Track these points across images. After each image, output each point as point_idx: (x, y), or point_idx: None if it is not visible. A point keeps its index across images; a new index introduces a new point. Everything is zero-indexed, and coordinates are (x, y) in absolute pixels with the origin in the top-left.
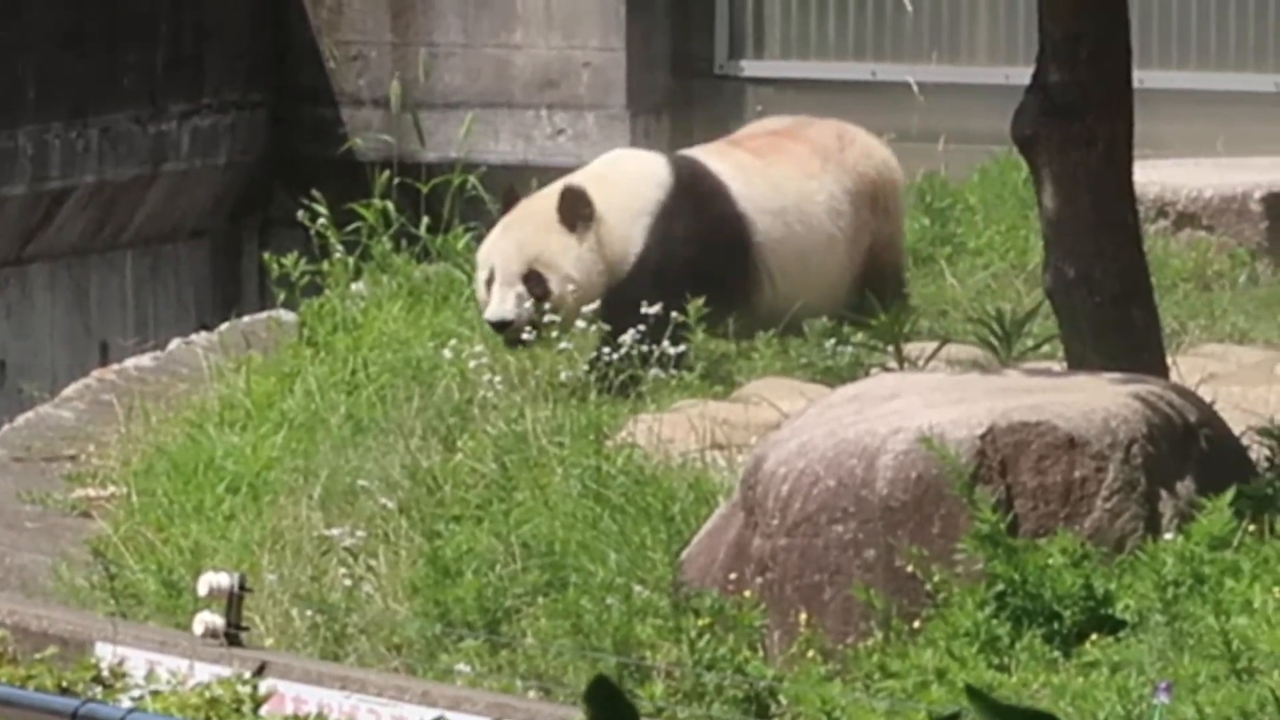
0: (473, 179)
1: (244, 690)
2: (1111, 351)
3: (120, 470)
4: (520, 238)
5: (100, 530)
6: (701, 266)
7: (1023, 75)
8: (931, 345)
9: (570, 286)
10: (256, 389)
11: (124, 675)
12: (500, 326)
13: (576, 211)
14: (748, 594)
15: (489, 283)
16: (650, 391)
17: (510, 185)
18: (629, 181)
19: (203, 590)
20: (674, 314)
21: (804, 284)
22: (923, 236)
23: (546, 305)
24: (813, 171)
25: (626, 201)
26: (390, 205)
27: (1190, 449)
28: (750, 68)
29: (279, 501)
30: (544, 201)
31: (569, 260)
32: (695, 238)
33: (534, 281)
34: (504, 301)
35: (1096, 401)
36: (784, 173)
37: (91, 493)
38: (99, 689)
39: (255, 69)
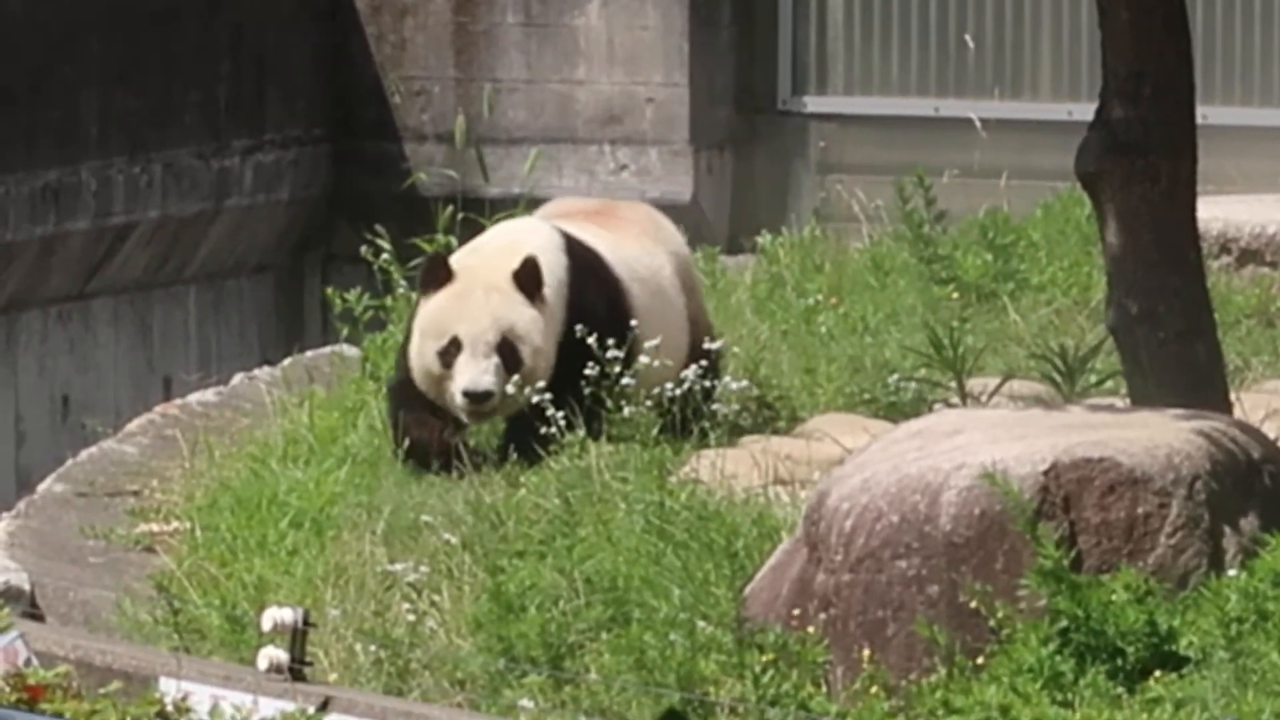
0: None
1: None
2: (1175, 387)
3: (183, 505)
4: (491, 309)
5: (164, 565)
6: (606, 334)
7: (1086, 111)
8: (995, 381)
9: (540, 358)
10: (319, 424)
11: (188, 710)
12: (483, 398)
13: (536, 281)
14: (811, 630)
15: (445, 352)
16: (713, 427)
17: (436, 252)
18: (542, 253)
19: (267, 625)
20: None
21: (666, 354)
22: (985, 272)
23: (516, 377)
24: (649, 248)
25: (546, 273)
26: (453, 240)
27: (1254, 485)
28: (813, 103)
29: (342, 536)
30: (492, 271)
31: (537, 331)
32: (600, 306)
33: (508, 352)
34: (485, 372)
35: (1160, 438)
36: (631, 248)
37: (155, 528)
38: None
39: (318, 104)
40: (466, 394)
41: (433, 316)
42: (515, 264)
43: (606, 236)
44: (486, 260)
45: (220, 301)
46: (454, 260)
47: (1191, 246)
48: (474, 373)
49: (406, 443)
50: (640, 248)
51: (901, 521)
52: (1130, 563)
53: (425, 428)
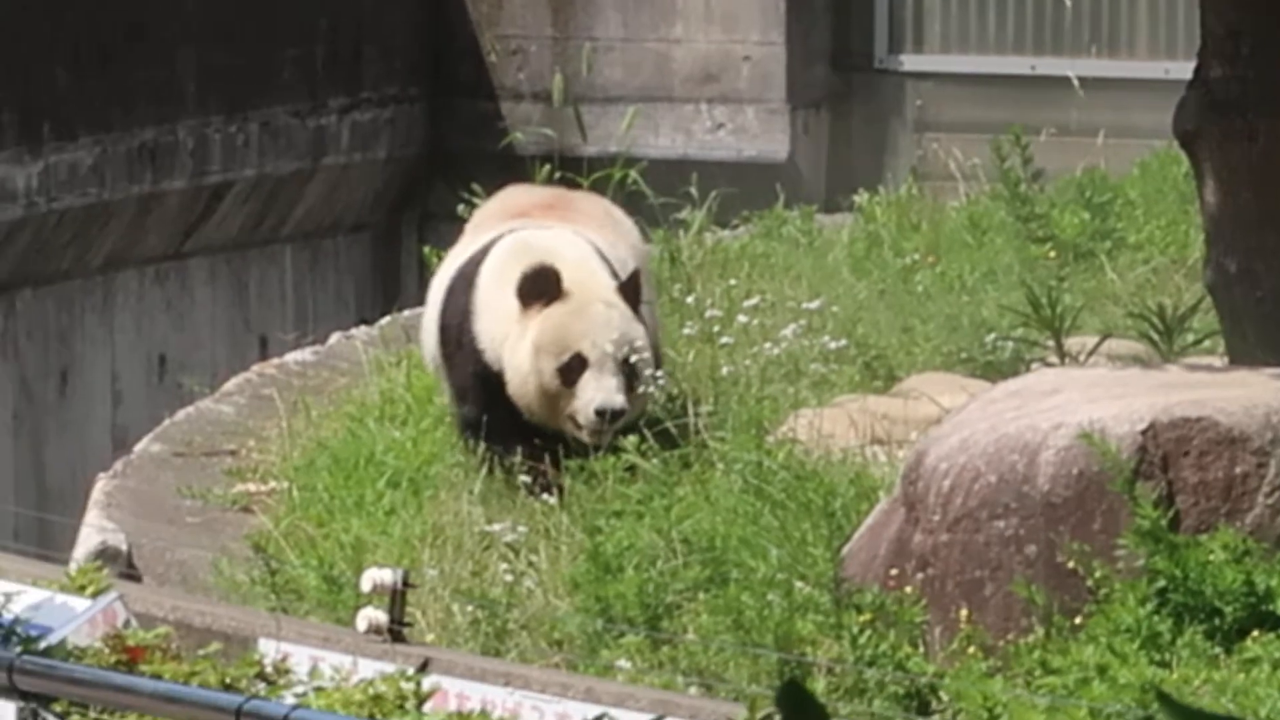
0: (633, 173)
1: (408, 687)
2: (1273, 346)
3: (280, 465)
4: (618, 325)
5: (261, 525)
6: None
7: (1183, 70)
8: (1092, 340)
9: (651, 371)
10: (416, 383)
11: (287, 671)
12: (617, 415)
13: (639, 296)
14: (909, 590)
15: (567, 369)
16: (811, 386)
17: (542, 263)
18: (590, 261)
19: (366, 586)
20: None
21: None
22: (1083, 231)
23: (634, 392)
24: (615, 242)
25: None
26: None
27: None
28: (910, 62)
29: (439, 496)
30: (599, 285)
31: (648, 345)
32: (648, 310)
33: (629, 369)
34: (617, 390)
35: (1258, 397)
36: (608, 242)
37: (252, 488)
38: (263, 685)
39: (415, 64)
40: (600, 412)
41: (551, 331)
42: (608, 276)
43: (590, 236)
44: (588, 273)
45: (317, 260)
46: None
47: None
48: (606, 392)
49: (522, 482)
50: (614, 243)
51: (999, 481)
52: (1228, 522)
53: (536, 471)
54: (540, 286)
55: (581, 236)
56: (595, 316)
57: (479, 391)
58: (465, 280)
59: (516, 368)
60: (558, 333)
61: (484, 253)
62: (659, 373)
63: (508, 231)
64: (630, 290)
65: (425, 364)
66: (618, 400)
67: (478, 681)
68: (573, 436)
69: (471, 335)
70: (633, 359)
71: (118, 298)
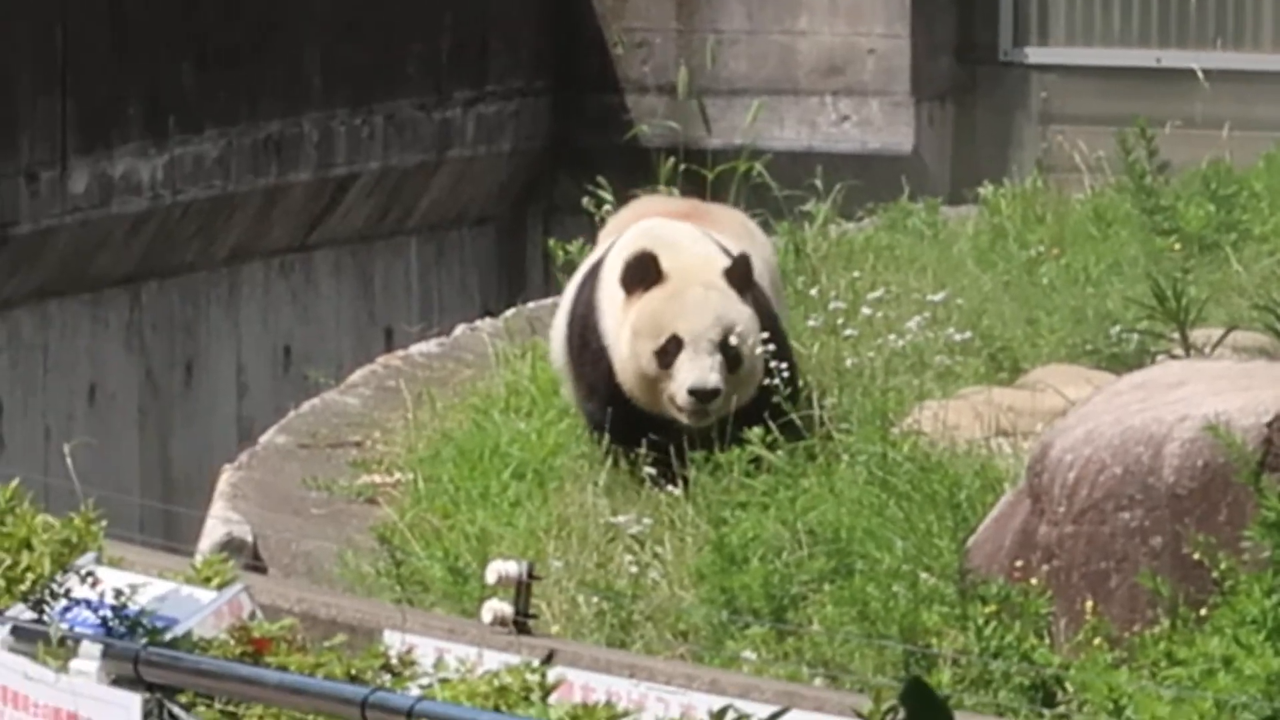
0: (758, 166)
1: (533, 678)
2: None
3: (406, 456)
4: (714, 307)
5: (386, 517)
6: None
7: None
8: (1218, 332)
9: (757, 353)
10: (542, 375)
11: (412, 663)
12: (710, 396)
13: (749, 279)
14: (1034, 581)
15: (664, 352)
16: (936, 378)
17: (641, 250)
18: (698, 246)
19: (491, 578)
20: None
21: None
22: (1208, 223)
23: (734, 374)
24: (756, 253)
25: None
26: (675, 191)
27: None
28: (1035, 54)
29: (564, 488)
30: (704, 266)
31: (753, 328)
32: (775, 294)
33: (730, 351)
34: (711, 370)
35: None
36: (755, 253)
37: (377, 479)
38: (388, 677)
39: (539, 56)
40: (693, 392)
41: (649, 316)
42: (724, 261)
43: (730, 244)
44: (691, 258)
45: (442, 253)
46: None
47: None
48: (700, 371)
49: (647, 474)
50: (753, 253)
51: (1125, 473)
52: None
53: (660, 463)
54: (639, 273)
55: (703, 231)
56: (692, 299)
57: (604, 388)
58: (590, 280)
59: (619, 353)
60: (654, 317)
61: (606, 254)
62: (782, 365)
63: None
64: (737, 274)
65: (553, 364)
66: (712, 379)
67: (603, 673)
68: (682, 424)
69: (597, 333)
70: (732, 340)
71: (243, 290)
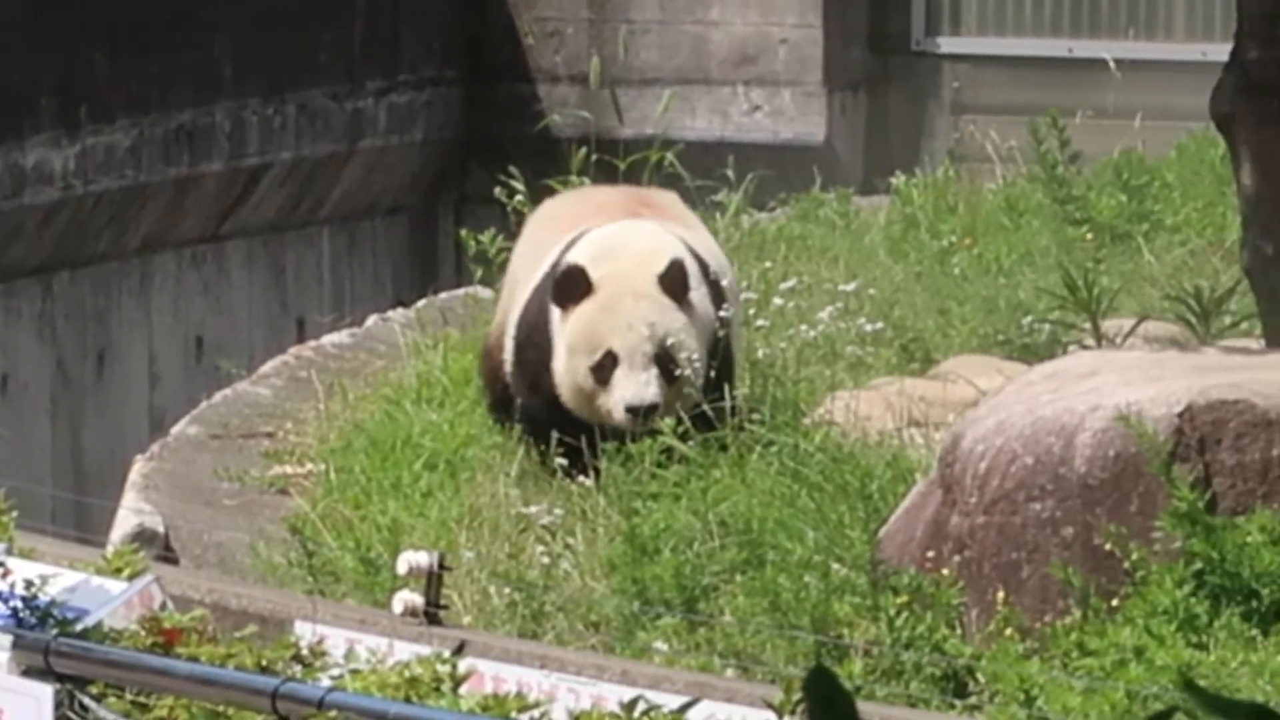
0: (670, 156)
1: (444, 669)
2: None
3: (318, 447)
4: (648, 318)
5: (298, 508)
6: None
7: (1220, 52)
8: (1129, 322)
9: (696, 365)
10: (453, 365)
11: (323, 654)
12: (649, 411)
13: (684, 285)
14: (945, 572)
15: (600, 368)
16: (848, 369)
17: (573, 264)
18: (660, 253)
19: (402, 569)
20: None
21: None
22: (1120, 213)
23: (672, 385)
24: (699, 239)
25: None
26: (587, 181)
27: None
28: (947, 44)
29: (476, 479)
30: (635, 277)
31: (690, 338)
32: (727, 304)
33: (666, 363)
34: (649, 385)
35: None
36: (703, 240)
37: (289, 470)
38: (298, 668)
39: (452, 46)
40: (630, 409)
41: (582, 330)
42: (657, 268)
43: (683, 234)
44: (624, 267)
45: (354, 243)
46: (590, 269)
47: None
48: (636, 387)
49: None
50: (701, 240)
51: (1036, 464)
52: (1265, 504)
53: (572, 455)
54: (569, 287)
55: (665, 229)
56: (624, 311)
57: (544, 392)
58: (545, 287)
59: (557, 369)
60: (588, 331)
61: (559, 263)
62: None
63: (578, 235)
64: (672, 281)
65: (505, 364)
66: (649, 395)
67: (513, 664)
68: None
69: (546, 342)
70: (668, 351)
71: (155, 280)
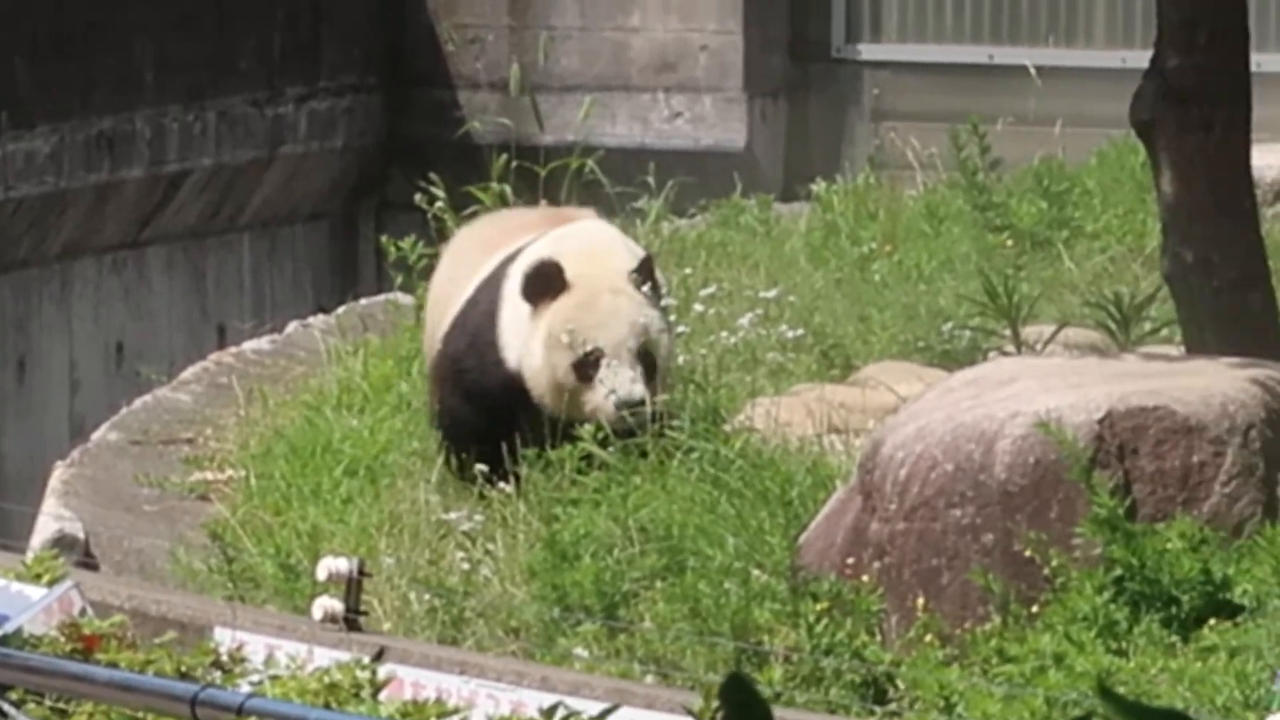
0: (590, 162)
1: (363, 675)
2: (1229, 336)
3: (238, 453)
4: (629, 314)
5: (218, 514)
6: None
7: (1140, 59)
8: (1049, 329)
9: (670, 360)
10: (374, 372)
11: (243, 660)
12: (639, 405)
13: (654, 282)
14: (865, 578)
15: (582, 364)
16: (768, 375)
17: (547, 260)
18: (623, 250)
19: (321, 575)
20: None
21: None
22: (1040, 220)
23: (651, 381)
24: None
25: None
26: (508, 188)
27: None
28: (867, 51)
29: (396, 485)
30: (612, 273)
31: (665, 335)
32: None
33: (646, 359)
34: (635, 381)
35: (1214, 386)
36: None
37: (209, 476)
38: (218, 674)
39: (372, 52)
40: (621, 405)
41: (562, 326)
42: (627, 264)
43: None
44: (596, 263)
45: (274, 249)
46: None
47: (1246, 194)
48: (625, 384)
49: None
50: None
51: (956, 470)
52: (1185, 511)
53: (492, 461)
54: (542, 283)
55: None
56: (604, 307)
57: (488, 397)
58: (486, 295)
59: (531, 366)
60: (569, 326)
61: (505, 266)
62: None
63: (518, 248)
64: (647, 279)
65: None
66: (637, 391)
67: (433, 670)
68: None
69: (494, 346)
70: (648, 347)
71: (75, 286)
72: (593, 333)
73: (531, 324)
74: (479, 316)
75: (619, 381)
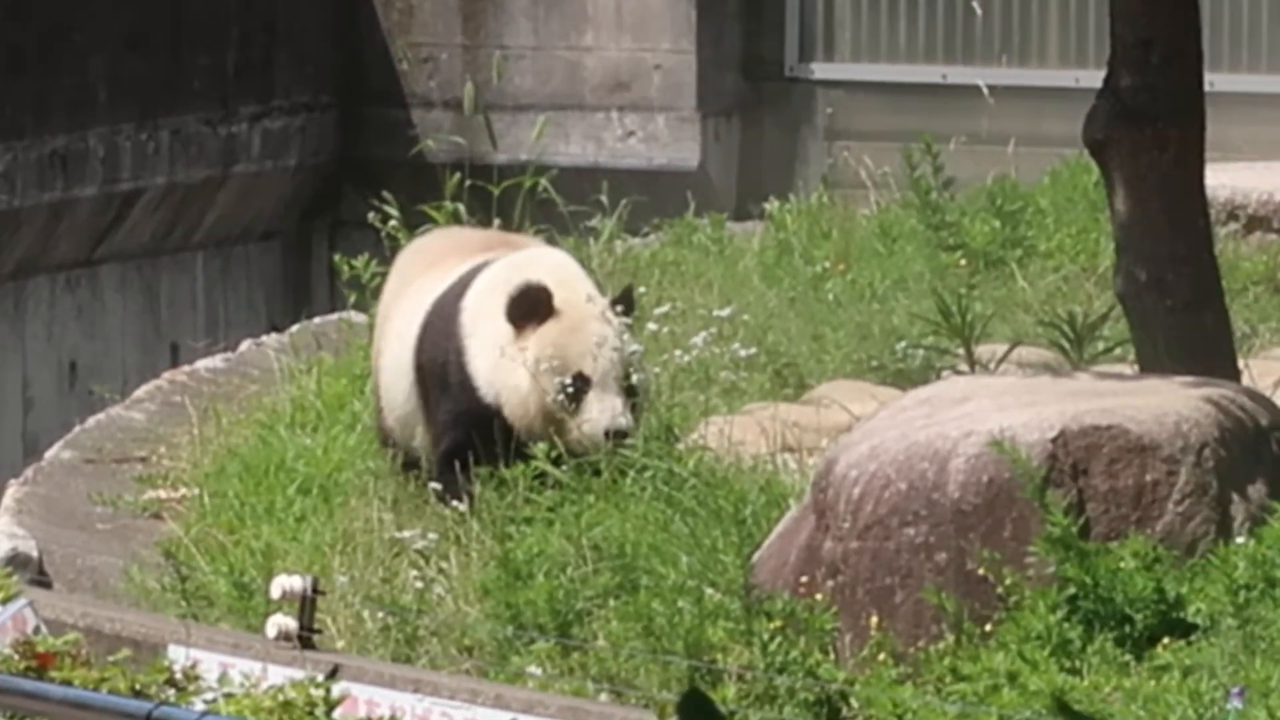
0: (544, 181)
1: (317, 693)
2: (1183, 355)
3: (191, 472)
4: (616, 343)
5: (171, 532)
6: None
7: (1093, 78)
8: (1003, 348)
9: (649, 388)
10: (327, 390)
11: (197, 678)
12: (624, 435)
13: (633, 310)
14: (819, 597)
15: (568, 389)
16: (721, 394)
17: (533, 282)
18: (576, 278)
19: (275, 593)
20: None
21: None
22: (993, 239)
23: (636, 408)
24: None
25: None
26: (461, 207)
27: (1261, 452)
28: (821, 70)
29: (350, 503)
30: (596, 300)
31: (645, 363)
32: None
33: (631, 390)
34: (623, 412)
35: (1168, 405)
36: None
37: (163, 494)
38: (172, 692)
39: (326, 71)
40: (610, 434)
41: (551, 350)
42: (596, 293)
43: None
44: (579, 290)
45: (228, 268)
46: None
47: (1199, 214)
48: (613, 411)
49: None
50: None
51: (910, 489)
52: (1138, 530)
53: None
54: (531, 306)
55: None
56: (593, 334)
57: (468, 428)
58: (445, 317)
59: (515, 389)
60: (558, 351)
61: (461, 287)
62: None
63: (473, 267)
64: (628, 307)
65: (390, 411)
66: (623, 421)
67: (387, 688)
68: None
69: (465, 374)
70: (632, 377)
71: (29, 305)
72: (582, 359)
73: (515, 347)
74: (442, 346)
75: (607, 409)
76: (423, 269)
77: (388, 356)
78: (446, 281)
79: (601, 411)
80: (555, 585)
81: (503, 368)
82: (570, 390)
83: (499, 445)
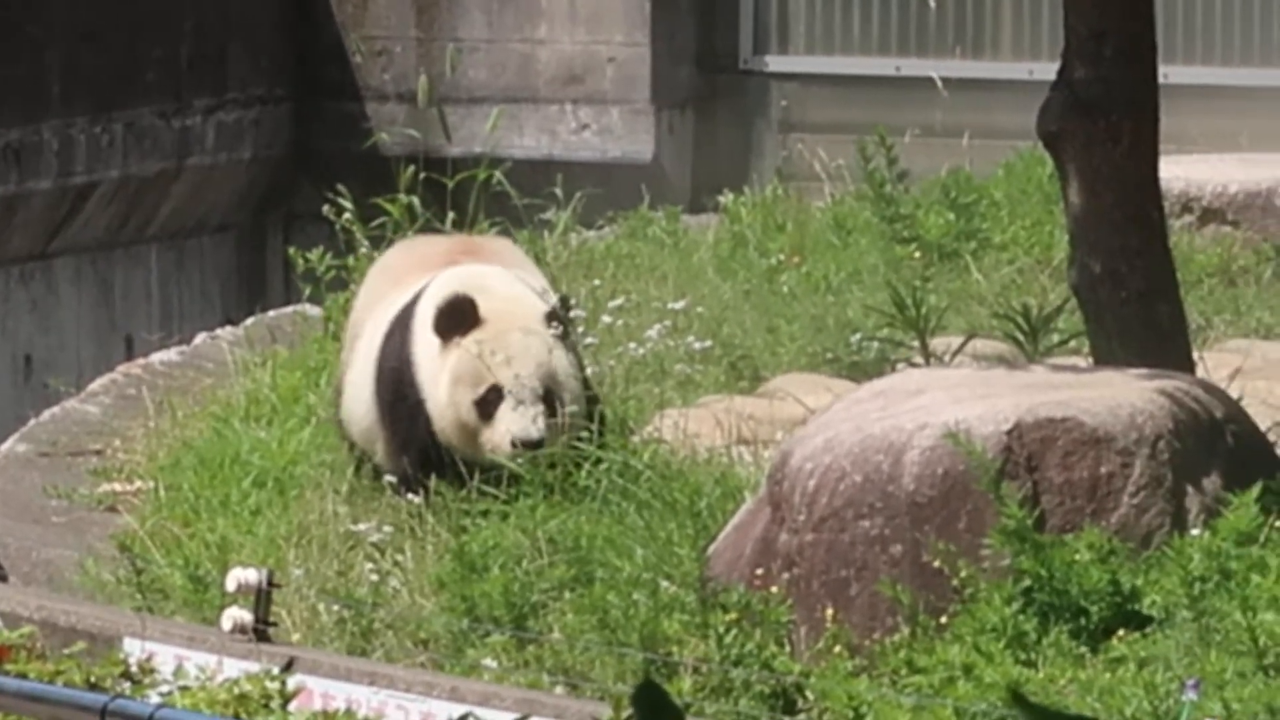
0: (498, 174)
1: (273, 686)
2: (1137, 347)
3: (146, 465)
4: (536, 354)
5: (126, 525)
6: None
7: (1047, 71)
8: (957, 340)
9: (574, 405)
10: (282, 383)
11: (152, 671)
12: (535, 446)
13: (568, 322)
14: (774, 589)
15: (484, 401)
16: (676, 386)
17: (461, 295)
18: (516, 289)
19: (231, 586)
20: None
21: None
22: (947, 232)
23: (554, 420)
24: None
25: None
26: (415, 200)
27: (1216, 444)
28: (775, 63)
29: (305, 496)
30: (522, 310)
31: (573, 376)
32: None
33: (550, 400)
34: (535, 420)
35: (1123, 397)
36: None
37: (118, 487)
38: (127, 685)
39: (280, 64)
40: (519, 444)
41: (469, 363)
42: (542, 304)
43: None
44: (510, 301)
45: (182, 261)
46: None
47: (1153, 206)
48: (523, 422)
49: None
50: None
51: (865, 481)
52: (1093, 522)
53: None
54: (455, 318)
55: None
56: (512, 345)
57: (420, 441)
58: (399, 331)
59: (436, 401)
60: (474, 364)
61: (415, 302)
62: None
63: (431, 280)
64: (557, 318)
65: (353, 426)
66: (534, 431)
67: (343, 681)
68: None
69: (413, 385)
70: (552, 388)
71: None
72: (497, 370)
73: (441, 359)
74: (395, 358)
75: (517, 420)
76: (390, 285)
77: (353, 371)
78: (406, 298)
79: (511, 422)
80: (510, 578)
81: (430, 380)
82: (484, 400)
83: (447, 459)
